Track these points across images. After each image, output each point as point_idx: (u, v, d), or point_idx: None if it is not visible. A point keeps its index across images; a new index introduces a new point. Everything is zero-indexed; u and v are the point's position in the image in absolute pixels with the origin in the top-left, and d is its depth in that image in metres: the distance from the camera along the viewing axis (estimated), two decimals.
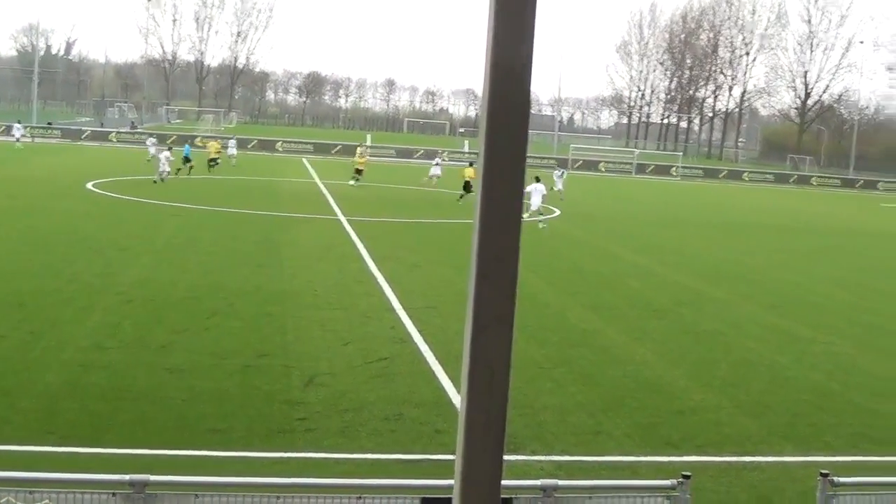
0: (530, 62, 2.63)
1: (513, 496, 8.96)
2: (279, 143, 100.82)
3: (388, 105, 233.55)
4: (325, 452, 13.78)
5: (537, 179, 47.26)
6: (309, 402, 16.08)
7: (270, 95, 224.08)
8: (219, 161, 65.09)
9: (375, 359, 19.01)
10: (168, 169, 53.66)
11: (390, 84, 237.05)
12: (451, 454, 2.69)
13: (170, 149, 57.55)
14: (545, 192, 47.14)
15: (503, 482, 2.77)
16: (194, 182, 55.25)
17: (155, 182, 52.09)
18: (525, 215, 43.56)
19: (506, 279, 2.66)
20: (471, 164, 58.51)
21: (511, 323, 2.68)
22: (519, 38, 2.60)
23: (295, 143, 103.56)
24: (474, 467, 2.70)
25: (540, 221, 44.90)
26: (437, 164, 65.22)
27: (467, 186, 53.20)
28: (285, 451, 13.72)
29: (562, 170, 62.87)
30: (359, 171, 59.58)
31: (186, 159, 59.39)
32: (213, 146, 67.65)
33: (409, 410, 15.99)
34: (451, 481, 2.78)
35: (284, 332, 20.86)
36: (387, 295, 25.60)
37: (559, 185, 58.46)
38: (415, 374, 18.21)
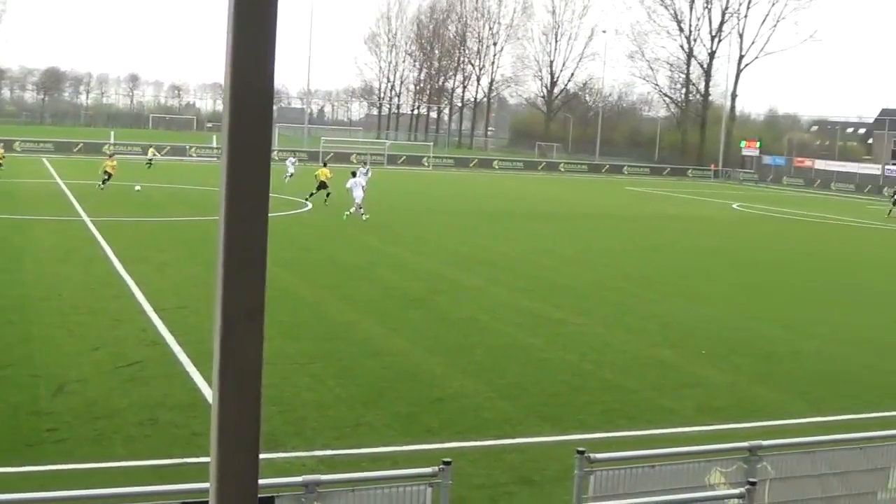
0: (273, 53, 2.55)
1: (275, 495, 8.85)
2: (17, 143, 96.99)
3: (132, 101, 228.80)
4: (78, 463, 13.33)
5: (354, 174, 49.04)
6: (58, 412, 15.53)
7: (6, 93, 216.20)
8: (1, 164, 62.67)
9: (127, 363, 18.54)
10: None
11: (134, 79, 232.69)
12: (209, 456, 2.59)
13: None
14: (364, 185, 48.16)
15: (263, 481, 2.69)
16: None
17: None
18: (350, 210, 46.43)
19: (254, 275, 2.58)
20: (325, 164, 58.52)
21: (261, 319, 2.61)
22: (261, 30, 2.52)
23: (34, 142, 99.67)
24: (229, 468, 2.62)
25: (362, 214, 46.22)
26: (291, 163, 65.25)
27: (322, 186, 52.73)
28: (34, 465, 13.13)
29: (367, 167, 62.96)
30: (108, 175, 57.47)
31: None
32: None
33: (163, 414, 15.65)
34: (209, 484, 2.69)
35: (29, 341, 20.08)
36: (136, 297, 25.02)
37: (363, 182, 58.46)
38: (169, 376, 17.85)
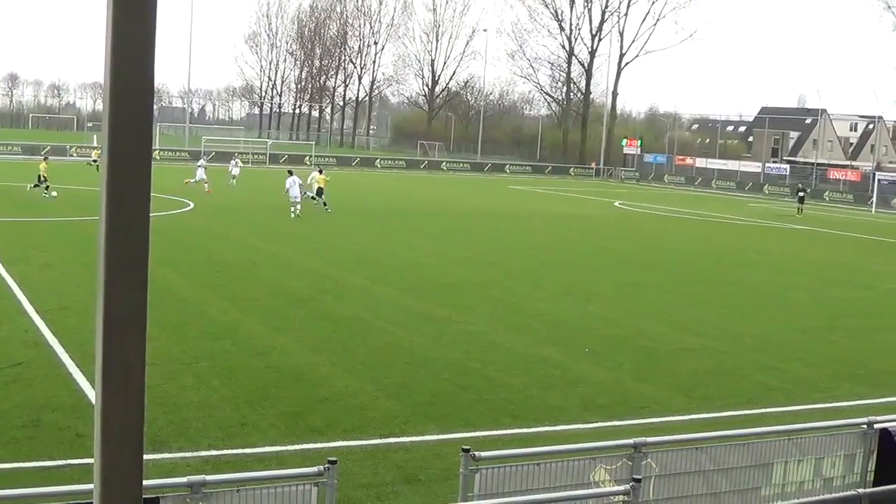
0: (153, 51, 2.56)
1: (159, 496, 8.80)
2: None
3: (11, 100, 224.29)
4: None
5: (290, 173, 51.34)
6: None
7: None
8: None
9: (9, 364, 18.22)
10: None
11: (13, 78, 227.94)
12: (93, 458, 2.60)
13: None
14: (301, 182, 50.18)
15: (148, 482, 2.71)
16: None
17: None
18: (293, 210, 48.98)
19: (136, 275, 2.58)
20: (320, 171, 57.57)
21: (144, 319, 2.61)
22: (141, 27, 2.53)
23: None
24: (114, 469, 2.62)
25: (294, 211, 48.59)
26: (200, 167, 64.29)
27: (319, 192, 53.19)
28: None
29: (316, 168, 62.51)
30: (42, 178, 54.87)
31: None
32: None
33: (47, 416, 15.42)
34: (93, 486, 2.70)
35: None
36: (18, 297, 24.58)
37: (300, 181, 57.98)
38: (52, 377, 17.57)
